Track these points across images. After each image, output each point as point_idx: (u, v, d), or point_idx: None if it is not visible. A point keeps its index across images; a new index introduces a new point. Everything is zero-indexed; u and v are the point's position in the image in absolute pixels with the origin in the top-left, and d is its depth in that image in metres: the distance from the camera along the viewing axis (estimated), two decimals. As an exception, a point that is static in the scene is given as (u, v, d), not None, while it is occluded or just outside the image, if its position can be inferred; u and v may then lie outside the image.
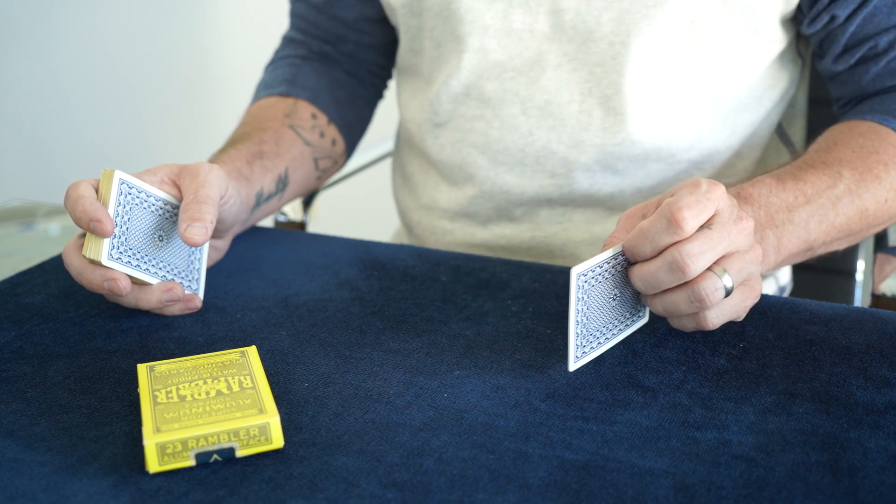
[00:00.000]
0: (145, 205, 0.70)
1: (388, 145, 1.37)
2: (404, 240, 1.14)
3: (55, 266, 0.82)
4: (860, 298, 1.11)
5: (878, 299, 0.97)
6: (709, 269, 0.61)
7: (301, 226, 1.24)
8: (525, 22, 0.88)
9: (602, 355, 0.66)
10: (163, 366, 0.62)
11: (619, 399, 0.61)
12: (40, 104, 2.32)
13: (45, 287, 0.78)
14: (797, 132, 1.01)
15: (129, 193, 0.69)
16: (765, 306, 0.72)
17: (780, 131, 0.99)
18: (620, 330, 0.67)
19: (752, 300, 0.65)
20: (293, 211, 1.24)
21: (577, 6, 0.86)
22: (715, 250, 0.61)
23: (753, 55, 0.88)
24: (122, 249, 0.69)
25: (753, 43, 0.87)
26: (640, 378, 0.63)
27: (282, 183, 0.89)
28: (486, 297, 0.75)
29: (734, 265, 0.62)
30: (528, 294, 0.75)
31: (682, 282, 0.61)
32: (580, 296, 0.62)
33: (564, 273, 0.79)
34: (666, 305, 0.63)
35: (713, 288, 0.61)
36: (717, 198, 0.62)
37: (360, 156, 1.38)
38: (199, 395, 0.59)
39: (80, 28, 2.28)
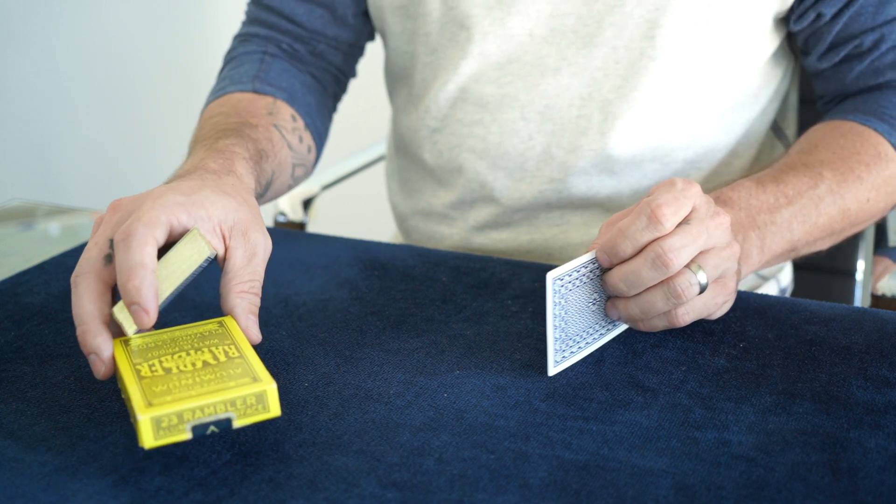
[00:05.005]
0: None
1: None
2: (401, 244, 1.13)
3: (55, 266, 0.82)
4: (860, 298, 1.11)
5: (878, 299, 0.97)
6: (684, 265, 0.62)
7: (301, 226, 1.24)
8: (524, 27, 0.87)
9: (602, 355, 0.66)
10: (138, 339, 0.60)
11: (619, 399, 0.61)
12: (41, 104, 2.32)
13: (45, 287, 0.78)
14: (790, 126, 1.02)
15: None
16: (765, 306, 0.72)
17: (775, 126, 0.99)
18: (601, 335, 0.67)
19: (724, 297, 0.66)
20: (293, 211, 1.24)
21: (577, 10, 0.86)
22: (695, 244, 0.62)
23: (750, 54, 0.88)
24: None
25: (750, 42, 0.87)
26: (640, 378, 0.63)
27: (265, 189, 0.83)
28: (486, 297, 0.75)
29: (710, 261, 0.63)
30: (528, 294, 0.75)
31: (663, 278, 0.62)
32: (556, 300, 0.62)
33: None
34: (642, 305, 0.63)
35: (688, 283, 0.62)
36: (694, 195, 0.63)
37: (360, 156, 1.39)
38: (185, 366, 0.57)
39: (81, 28, 2.28)
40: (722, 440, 0.57)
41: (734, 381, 0.63)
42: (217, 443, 0.57)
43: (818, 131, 0.84)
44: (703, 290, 0.63)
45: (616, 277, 0.63)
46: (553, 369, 0.63)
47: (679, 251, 0.61)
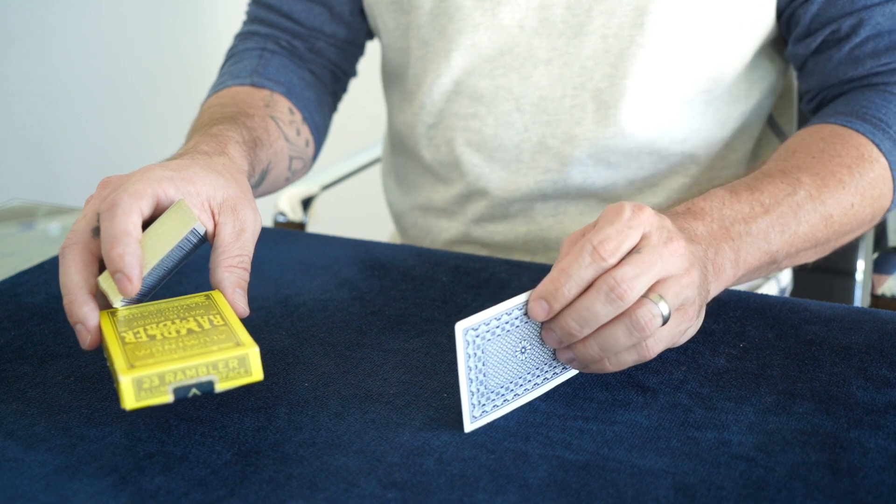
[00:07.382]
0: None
1: (388, 145, 1.37)
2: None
3: (55, 266, 0.82)
4: (860, 298, 1.11)
5: (878, 299, 0.97)
6: (643, 296, 0.57)
7: (301, 226, 1.24)
8: (514, 18, 0.88)
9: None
10: (124, 311, 0.60)
11: (619, 399, 0.61)
12: (40, 104, 2.32)
13: (45, 287, 0.78)
14: (787, 123, 1.02)
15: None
16: (765, 306, 0.72)
17: (772, 122, 0.99)
18: (536, 385, 0.60)
19: (686, 324, 0.61)
20: (293, 211, 1.24)
21: (566, 0, 0.86)
22: (650, 273, 0.57)
23: (744, 45, 0.88)
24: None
25: (745, 32, 0.87)
26: (640, 378, 0.63)
27: (261, 178, 0.83)
28: (486, 297, 0.75)
29: (669, 290, 0.58)
30: (528, 294, 0.75)
31: (620, 312, 0.57)
32: (470, 352, 0.56)
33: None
34: (603, 342, 0.58)
35: (650, 315, 0.57)
36: (642, 223, 0.59)
37: (360, 156, 1.39)
38: (170, 333, 0.57)
39: (80, 28, 2.28)
40: (722, 440, 0.57)
41: (734, 381, 0.63)
42: (217, 443, 0.57)
43: (798, 137, 0.81)
44: (666, 320, 0.58)
45: (567, 318, 0.57)
46: (471, 425, 0.57)
47: (632, 281, 0.56)
